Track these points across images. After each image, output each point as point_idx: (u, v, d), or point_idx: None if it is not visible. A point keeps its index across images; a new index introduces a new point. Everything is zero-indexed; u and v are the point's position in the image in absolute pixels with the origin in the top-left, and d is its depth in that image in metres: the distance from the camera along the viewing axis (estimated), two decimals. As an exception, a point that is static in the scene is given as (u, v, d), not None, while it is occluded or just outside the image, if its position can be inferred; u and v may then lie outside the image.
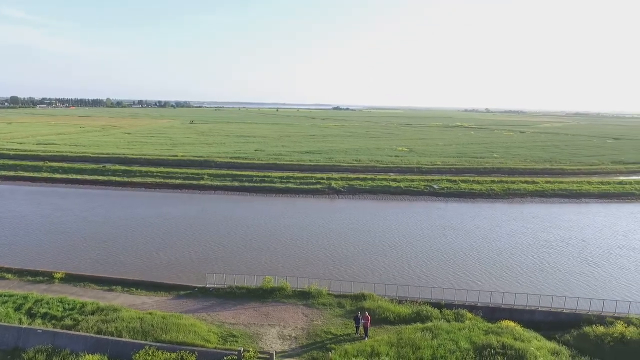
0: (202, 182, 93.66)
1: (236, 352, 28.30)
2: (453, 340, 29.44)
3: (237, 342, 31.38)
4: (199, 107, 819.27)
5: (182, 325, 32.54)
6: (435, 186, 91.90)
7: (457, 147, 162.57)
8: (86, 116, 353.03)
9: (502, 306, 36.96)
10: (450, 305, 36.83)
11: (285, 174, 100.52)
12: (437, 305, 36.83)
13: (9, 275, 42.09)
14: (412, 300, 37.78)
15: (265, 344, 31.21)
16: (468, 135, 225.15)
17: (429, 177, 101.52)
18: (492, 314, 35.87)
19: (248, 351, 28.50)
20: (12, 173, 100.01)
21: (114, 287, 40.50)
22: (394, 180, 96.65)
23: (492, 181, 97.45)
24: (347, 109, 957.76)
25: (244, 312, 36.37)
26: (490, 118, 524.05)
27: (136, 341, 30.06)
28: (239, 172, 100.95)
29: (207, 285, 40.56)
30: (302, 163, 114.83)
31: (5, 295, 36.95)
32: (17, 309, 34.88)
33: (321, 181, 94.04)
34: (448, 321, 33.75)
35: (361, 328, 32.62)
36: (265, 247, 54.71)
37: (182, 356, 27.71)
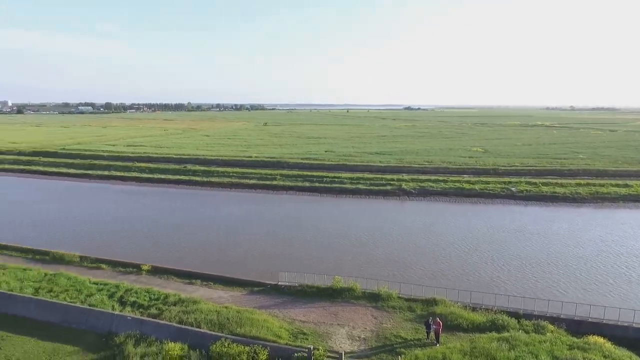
0: (274, 182, 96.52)
1: (306, 350, 28.91)
2: (532, 353, 27.78)
3: (307, 339, 32.06)
4: (272, 109, 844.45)
5: (256, 320, 33.88)
6: (513, 189, 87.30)
7: (537, 147, 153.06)
8: (169, 120, 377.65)
9: (589, 320, 34.17)
10: (529, 316, 34.82)
11: (355, 174, 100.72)
12: (515, 314, 35.00)
13: (104, 266, 46.33)
14: (487, 308, 36.24)
15: (334, 344, 31.58)
16: (550, 134, 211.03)
17: (506, 179, 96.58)
18: (577, 327, 33.33)
19: (318, 349, 29.00)
20: (106, 173, 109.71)
21: (193, 280, 43.08)
22: (468, 182, 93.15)
23: (578, 184, 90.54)
24: (419, 108, 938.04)
25: (314, 310, 37.05)
26: (575, 116, 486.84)
27: (213, 333, 31.78)
28: (309, 173, 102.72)
29: (280, 283, 41.79)
30: (372, 164, 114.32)
31: (101, 284, 40.80)
32: (111, 296, 38.33)
33: (391, 182, 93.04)
34: (527, 332, 31.96)
35: (432, 334, 31.91)
36: (334, 247, 55.26)
37: (255, 350, 28.83)
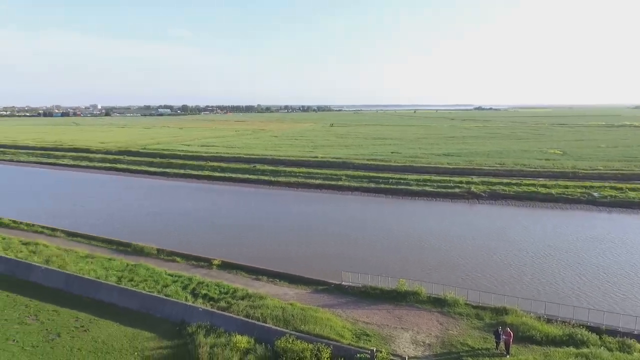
0: (340, 182, 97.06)
1: (369, 352, 28.82)
2: (615, 371, 25.67)
3: (370, 341, 31.95)
4: (339, 110, 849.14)
5: (319, 318, 34.32)
6: (595, 194, 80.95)
7: (624, 149, 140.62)
8: (240, 121, 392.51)
9: (685, 341, 30.87)
10: (613, 332, 32.11)
11: (421, 176, 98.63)
12: (596, 330, 32.45)
13: (179, 259, 49.20)
14: (564, 320, 33.91)
15: (397, 347, 31.19)
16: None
17: (588, 183, 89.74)
18: (670, 349, 30.22)
19: (380, 352, 28.81)
20: (182, 171, 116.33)
21: (260, 276, 44.50)
22: (544, 185, 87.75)
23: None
24: (490, 108, 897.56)
25: (377, 312, 36.83)
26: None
27: (278, 328, 32.65)
28: (375, 174, 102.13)
29: (343, 283, 41.99)
30: (439, 166, 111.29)
31: (175, 276, 43.38)
32: (184, 288, 40.63)
33: (460, 185, 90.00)
34: (610, 350, 29.56)
35: (502, 344, 30.48)
36: (399, 249, 54.52)
37: (318, 348, 29.22)
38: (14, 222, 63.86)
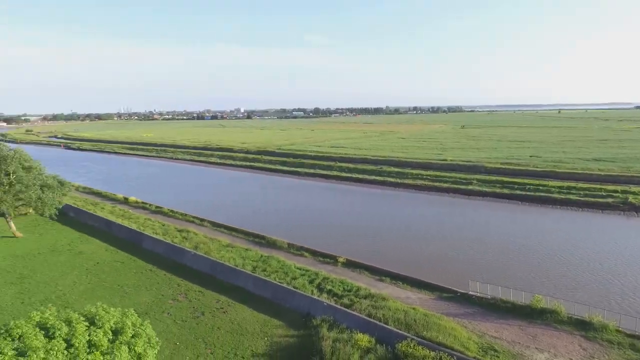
0: (470, 187, 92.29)
1: (497, 367, 27.07)
2: None
3: (498, 357, 29.98)
4: (471, 111, 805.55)
5: (443, 326, 33.25)
6: None
7: None
8: (368, 123, 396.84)
9: None
10: None
11: (565, 183, 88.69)
12: None
13: (306, 254, 51.81)
14: None
15: (530, 368, 28.70)
16: None
17: None
18: None
19: (510, 370, 26.84)
20: (312, 171, 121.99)
21: (383, 277, 44.64)
22: None
23: None
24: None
25: (507, 328, 34.32)
26: None
27: (400, 331, 32.46)
28: (509, 179, 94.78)
29: (470, 292, 39.99)
30: (588, 172, 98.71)
31: (303, 270, 45.84)
32: (311, 282, 42.69)
33: (614, 194, 78.79)
34: None
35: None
36: (533, 261, 49.90)
37: (441, 357, 28.34)
38: (172, 211, 73.70)
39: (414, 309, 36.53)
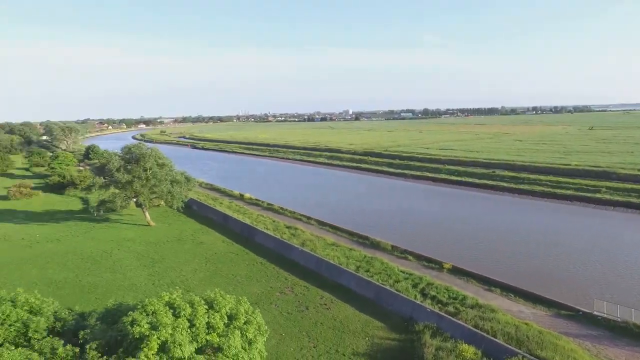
0: (598, 195, 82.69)
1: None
2: None
3: (627, 388, 26.58)
4: (602, 111, 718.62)
5: (560, 347, 30.44)
6: None
7: None
8: (481, 124, 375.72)
9: None
10: None
11: None
12: None
13: (410, 258, 50.96)
14: None
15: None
16: None
17: None
18: None
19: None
20: (418, 173, 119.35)
21: (492, 288, 42.14)
22: None
23: None
24: None
25: (641, 356, 30.23)
26: None
27: (509, 347, 30.41)
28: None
29: (595, 312, 35.98)
30: None
31: (407, 273, 45.20)
32: (414, 286, 41.92)
33: None
34: None
35: None
36: (682, 285, 43.06)
37: (556, 378, 26.00)
38: (282, 208, 77.58)
39: (526, 324, 33.95)
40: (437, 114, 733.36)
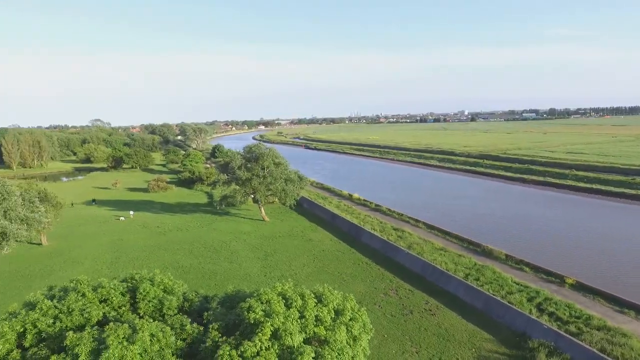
0: None
1: None
2: None
3: None
4: None
5: None
6: None
7: None
8: (620, 125, 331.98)
9: None
10: None
11: None
12: None
13: (527, 269, 47.15)
14: None
15: None
16: None
17: None
18: None
19: None
20: (540, 178, 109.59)
21: (626, 310, 37.20)
22: None
23: None
24: None
25: None
26: None
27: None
28: None
29: None
30: None
31: (522, 285, 41.99)
32: (529, 300, 38.78)
33: None
34: None
35: None
36: None
37: None
38: (389, 210, 77.16)
39: (667, 355, 29.41)
40: (565, 114, 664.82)
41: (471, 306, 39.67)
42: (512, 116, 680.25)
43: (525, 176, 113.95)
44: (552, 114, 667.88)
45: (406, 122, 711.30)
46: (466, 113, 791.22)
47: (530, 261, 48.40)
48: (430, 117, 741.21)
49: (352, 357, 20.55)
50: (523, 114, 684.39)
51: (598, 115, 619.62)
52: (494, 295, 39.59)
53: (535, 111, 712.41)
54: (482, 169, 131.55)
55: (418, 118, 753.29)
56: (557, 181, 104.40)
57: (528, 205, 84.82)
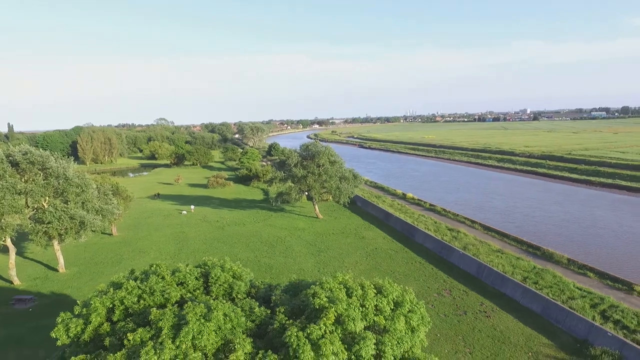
0: None
1: None
2: None
3: None
4: None
5: None
6: None
7: None
8: None
9: None
10: None
11: None
12: None
13: (591, 275, 45.20)
14: None
15: None
16: None
17: None
18: None
19: None
20: (609, 180, 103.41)
21: (701, 322, 34.90)
22: None
23: None
24: None
25: None
26: None
27: None
28: None
29: None
30: None
31: (585, 291, 40.42)
32: (593, 306, 37.30)
33: None
34: None
35: None
36: None
37: None
38: (444, 210, 76.16)
39: None
40: (639, 112, 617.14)
41: (528, 310, 38.77)
42: (579, 115, 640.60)
43: (592, 178, 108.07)
44: (625, 112, 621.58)
45: (463, 121, 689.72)
46: (528, 112, 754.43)
47: (595, 266, 46.38)
48: (489, 116, 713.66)
49: (411, 347, 21.20)
50: (592, 113, 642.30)
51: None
52: (554, 299, 38.44)
53: (606, 109, 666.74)
54: (544, 170, 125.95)
55: (476, 117, 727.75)
56: (629, 184, 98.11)
57: (594, 208, 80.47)
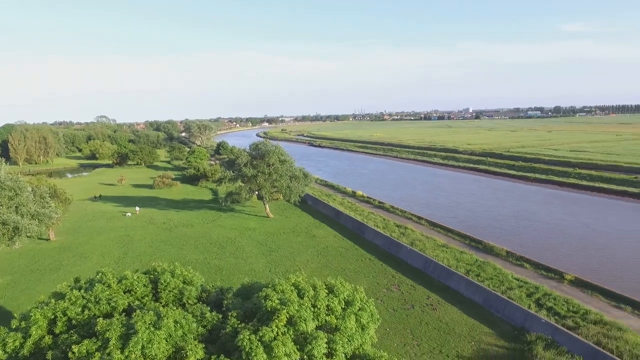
0: None
1: None
2: None
3: None
4: None
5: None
6: None
7: None
8: (625, 123, 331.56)
9: None
10: None
11: None
12: None
13: (527, 265, 48.23)
14: None
15: None
16: None
17: None
18: None
19: None
20: (543, 176, 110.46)
21: (622, 305, 38.25)
22: None
23: None
24: None
25: None
26: None
27: (637, 370, 27.81)
28: None
29: None
30: None
31: (521, 281, 43.10)
32: (529, 295, 39.91)
33: None
34: None
35: None
36: None
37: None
38: (392, 207, 78.25)
39: (661, 348, 30.50)
40: (570, 112, 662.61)
41: (471, 301, 40.80)
42: (517, 114, 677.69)
43: (528, 174, 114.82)
44: (558, 111, 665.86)
45: (410, 119, 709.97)
46: (470, 111, 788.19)
47: (530, 258, 49.49)
48: (434, 115, 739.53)
49: (361, 344, 21.79)
50: (528, 112, 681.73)
51: (604, 113, 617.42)
52: (494, 290, 40.71)
53: (541, 109, 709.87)
54: (485, 167, 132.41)
55: (422, 116, 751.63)
56: (560, 179, 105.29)
57: (530, 203, 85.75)
